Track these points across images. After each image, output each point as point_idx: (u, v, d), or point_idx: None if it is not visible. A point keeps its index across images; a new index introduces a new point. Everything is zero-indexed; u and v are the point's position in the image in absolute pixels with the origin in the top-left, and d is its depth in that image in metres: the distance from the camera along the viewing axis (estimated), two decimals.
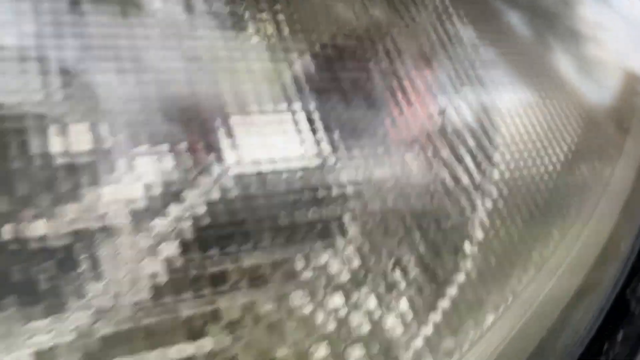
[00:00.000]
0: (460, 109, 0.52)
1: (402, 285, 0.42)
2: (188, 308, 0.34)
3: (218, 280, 0.35)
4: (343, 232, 0.40)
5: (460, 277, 0.46)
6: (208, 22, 0.40)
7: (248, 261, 0.36)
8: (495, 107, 0.55)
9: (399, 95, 0.47)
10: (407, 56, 0.49)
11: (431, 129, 0.47)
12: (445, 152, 0.48)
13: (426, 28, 0.52)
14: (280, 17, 0.43)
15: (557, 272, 0.52)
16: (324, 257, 0.39)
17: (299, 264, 0.37)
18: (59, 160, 0.32)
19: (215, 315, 0.34)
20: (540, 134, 0.57)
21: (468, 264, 0.46)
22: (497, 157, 0.52)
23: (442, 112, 0.49)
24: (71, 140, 0.33)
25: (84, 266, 0.32)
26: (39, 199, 0.31)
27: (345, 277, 0.39)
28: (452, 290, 0.45)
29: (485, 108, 0.53)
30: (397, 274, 0.42)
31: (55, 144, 0.32)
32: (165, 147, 0.35)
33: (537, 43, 0.67)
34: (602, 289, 0.53)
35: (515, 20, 0.67)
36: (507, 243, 0.50)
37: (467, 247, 0.47)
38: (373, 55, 0.47)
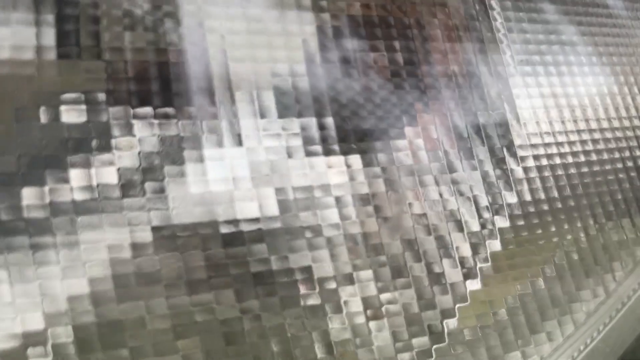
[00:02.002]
0: (526, 96, 0.47)
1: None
2: None
3: None
4: None
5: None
6: None
7: None
8: (570, 94, 0.50)
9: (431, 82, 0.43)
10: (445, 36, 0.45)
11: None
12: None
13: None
14: None
15: None
16: None
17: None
18: None
19: None
20: (625, 118, 0.52)
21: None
22: (570, 140, 0.48)
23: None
24: None
25: None
26: None
27: None
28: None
29: (557, 94, 0.49)
30: None
31: None
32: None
33: (630, 18, 0.61)
34: None
35: None
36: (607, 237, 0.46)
37: None
38: (404, 31, 0.44)
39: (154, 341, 0.32)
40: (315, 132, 0.38)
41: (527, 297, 0.41)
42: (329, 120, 0.39)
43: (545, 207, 0.44)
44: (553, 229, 0.44)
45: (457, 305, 0.39)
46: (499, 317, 0.40)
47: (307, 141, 0.38)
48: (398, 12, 0.43)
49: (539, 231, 0.43)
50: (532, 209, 0.44)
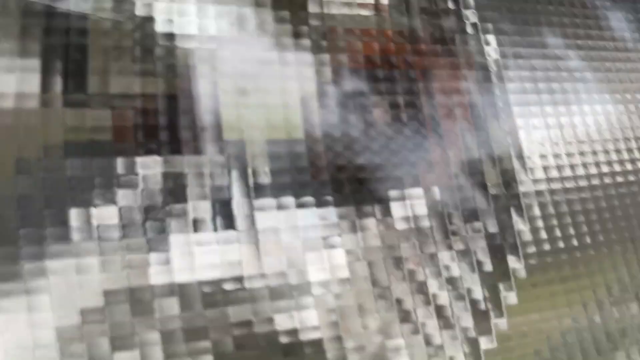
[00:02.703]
0: (535, 129, 0.46)
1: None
2: None
3: None
4: None
5: None
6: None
7: None
8: (580, 125, 0.48)
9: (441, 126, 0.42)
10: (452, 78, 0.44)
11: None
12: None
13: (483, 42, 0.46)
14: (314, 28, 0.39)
15: None
16: None
17: None
18: None
19: None
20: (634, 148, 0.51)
21: None
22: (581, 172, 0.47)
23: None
24: None
25: None
26: None
27: None
28: None
29: (566, 126, 0.47)
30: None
31: None
32: None
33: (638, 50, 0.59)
34: None
35: (615, 22, 0.60)
36: None
37: None
38: (412, 75, 0.42)
39: None
40: (306, 185, 0.37)
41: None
42: (318, 172, 0.38)
43: (563, 254, 0.43)
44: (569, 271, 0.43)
45: None
46: None
47: (300, 194, 0.37)
48: (401, 55, 0.42)
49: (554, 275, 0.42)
50: (547, 250, 0.43)
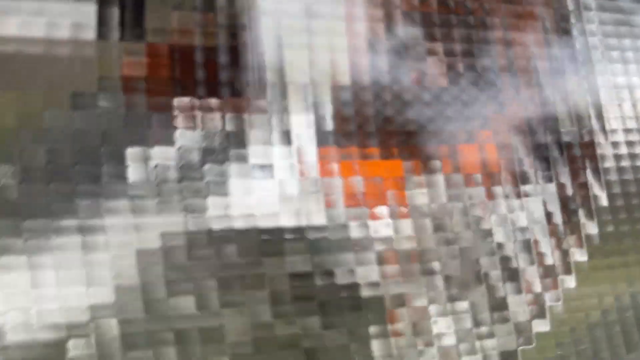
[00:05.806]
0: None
1: None
2: None
3: None
4: None
5: None
6: None
7: None
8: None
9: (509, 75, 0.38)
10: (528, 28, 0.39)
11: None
12: None
13: None
14: None
15: None
16: None
17: None
18: None
19: None
20: None
21: None
22: None
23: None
24: None
25: None
26: None
27: None
28: None
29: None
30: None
31: None
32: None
33: None
34: None
35: None
36: None
37: None
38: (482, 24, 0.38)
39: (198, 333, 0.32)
40: (371, 135, 0.35)
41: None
42: (386, 121, 0.36)
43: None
44: None
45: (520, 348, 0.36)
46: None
47: (363, 144, 0.35)
48: (480, 10, 0.38)
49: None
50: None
